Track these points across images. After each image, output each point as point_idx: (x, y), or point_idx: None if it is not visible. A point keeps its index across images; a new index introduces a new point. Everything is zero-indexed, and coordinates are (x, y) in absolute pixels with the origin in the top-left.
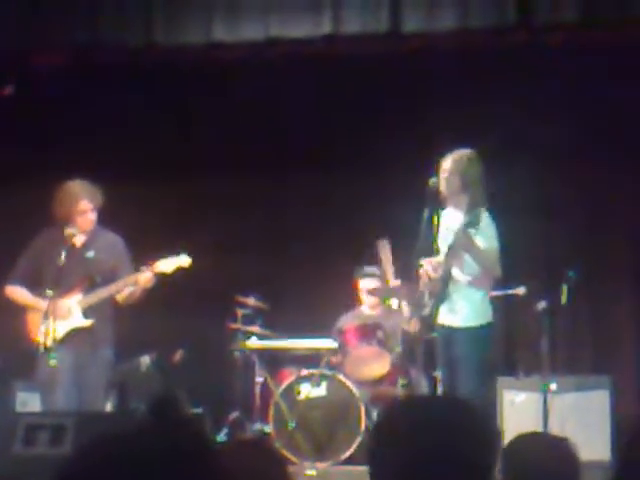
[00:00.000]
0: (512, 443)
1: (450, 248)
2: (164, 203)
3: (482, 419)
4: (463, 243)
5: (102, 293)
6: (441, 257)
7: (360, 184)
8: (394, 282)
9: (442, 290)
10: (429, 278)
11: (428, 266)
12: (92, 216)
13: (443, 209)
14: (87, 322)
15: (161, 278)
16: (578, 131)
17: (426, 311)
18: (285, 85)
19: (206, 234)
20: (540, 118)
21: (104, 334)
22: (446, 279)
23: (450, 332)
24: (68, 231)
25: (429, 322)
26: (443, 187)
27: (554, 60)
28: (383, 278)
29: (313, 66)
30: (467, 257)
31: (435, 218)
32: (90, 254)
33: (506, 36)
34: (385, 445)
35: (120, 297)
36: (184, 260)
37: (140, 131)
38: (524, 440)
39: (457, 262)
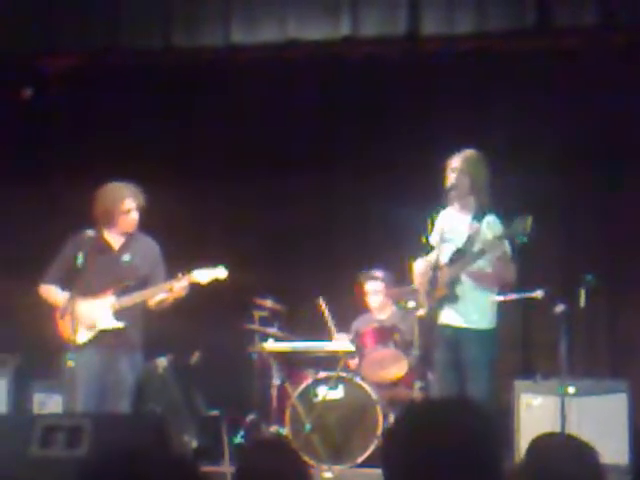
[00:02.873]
0: (537, 442)
1: (461, 252)
2: (178, 206)
3: (492, 420)
4: (499, 253)
5: (136, 297)
6: (433, 255)
7: (373, 185)
8: (337, 336)
9: (449, 292)
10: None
11: (424, 264)
12: (135, 215)
13: (444, 208)
14: (118, 324)
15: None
16: (598, 133)
17: (421, 311)
18: (302, 87)
19: (223, 236)
20: (559, 120)
21: (134, 338)
22: (454, 281)
23: (459, 334)
24: (103, 234)
25: (428, 322)
26: (453, 187)
27: (573, 63)
28: (328, 334)
29: (331, 68)
30: (481, 262)
31: (434, 217)
32: (126, 257)
33: (524, 40)
34: (398, 446)
35: (152, 303)
36: (221, 272)
37: (156, 134)
38: (550, 440)
39: (468, 266)
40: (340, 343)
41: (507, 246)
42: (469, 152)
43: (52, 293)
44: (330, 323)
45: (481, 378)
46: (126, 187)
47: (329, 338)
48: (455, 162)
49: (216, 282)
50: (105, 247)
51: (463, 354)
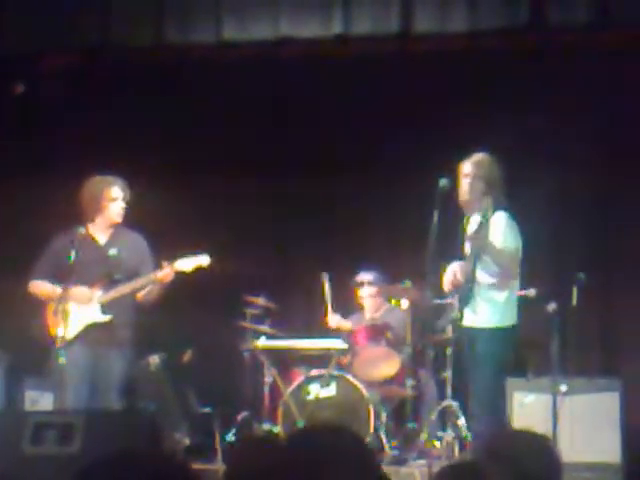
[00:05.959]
0: (498, 440)
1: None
2: (174, 203)
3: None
4: (478, 242)
5: (121, 289)
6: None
7: (368, 186)
8: (332, 317)
9: (465, 293)
10: (457, 282)
11: (455, 270)
12: (122, 204)
13: (469, 215)
14: (105, 318)
15: (176, 277)
16: (592, 133)
17: (455, 314)
18: (294, 85)
19: (215, 234)
20: (553, 120)
21: (123, 334)
22: (469, 282)
23: (473, 333)
24: (88, 230)
25: (457, 325)
26: (466, 192)
27: (567, 61)
28: (325, 311)
29: (323, 66)
30: (486, 258)
31: (464, 223)
32: (113, 251)
33: (518, 38)
34: None
35: (140, 296)
36: (204, 260)
37: (149, 131)
38: (508, 437)
39: (479, 264)
40: (332, 341)
41: (511, 242)
42: (478, 156)
43: (43, 287)
44: (328, 300)
45: (481, 376)
46: (113, 178)
47: (324, 316)
48: (466, 167)
49: (201, 270)
50: (91, 242)
51: (475, 351)
